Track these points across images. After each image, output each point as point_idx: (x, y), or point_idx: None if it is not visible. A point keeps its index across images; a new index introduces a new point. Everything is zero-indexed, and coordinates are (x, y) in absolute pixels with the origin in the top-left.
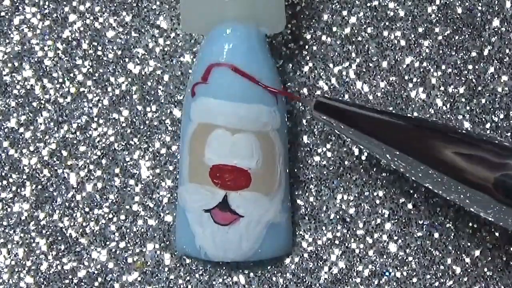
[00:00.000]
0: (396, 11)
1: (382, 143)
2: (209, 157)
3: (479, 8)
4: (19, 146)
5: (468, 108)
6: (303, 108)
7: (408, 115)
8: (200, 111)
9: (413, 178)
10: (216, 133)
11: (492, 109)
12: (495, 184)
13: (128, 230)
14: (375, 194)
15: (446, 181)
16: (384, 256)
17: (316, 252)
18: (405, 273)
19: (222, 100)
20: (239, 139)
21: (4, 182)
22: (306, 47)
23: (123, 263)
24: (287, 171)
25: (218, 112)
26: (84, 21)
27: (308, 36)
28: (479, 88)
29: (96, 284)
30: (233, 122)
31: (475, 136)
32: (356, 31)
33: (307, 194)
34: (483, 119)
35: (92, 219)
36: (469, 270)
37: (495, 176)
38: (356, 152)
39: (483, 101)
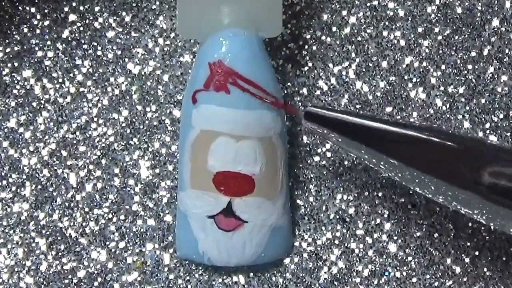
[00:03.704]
0: (396, 11)
1: (372, 150)
2: (212, 164)
3: (479, 8)
4: (19, 146)
5: (467, 108)
6: (302, 108)
7: (398, 119)
8: (203, 118)
9: (407, 185)
10: (220, 140)
11: (491, 109)
12: (488, 185)
13: (127, 230)
14: (374, 194)
15: (439, 186)
16: (384, 256)
17: (315, 252)
18: (404, 273)
19: (225, 108)
20: (244, 146)
21: (4, 182)
22: (306, 47)
23: (122, 263)
24: (287, 173)
25: (221, 120)
26: (84, 21)
27: (308, 36)
28: (479, 88)
29: (96, 284)
30: (238, 129)
31: (463, 136)
32: (355, 31)
33: (306, 194)
34: (483, 119)
35: (92, 219)
36: (468, 270)
37: (488, 178)
38: None
39: (483, 101)
